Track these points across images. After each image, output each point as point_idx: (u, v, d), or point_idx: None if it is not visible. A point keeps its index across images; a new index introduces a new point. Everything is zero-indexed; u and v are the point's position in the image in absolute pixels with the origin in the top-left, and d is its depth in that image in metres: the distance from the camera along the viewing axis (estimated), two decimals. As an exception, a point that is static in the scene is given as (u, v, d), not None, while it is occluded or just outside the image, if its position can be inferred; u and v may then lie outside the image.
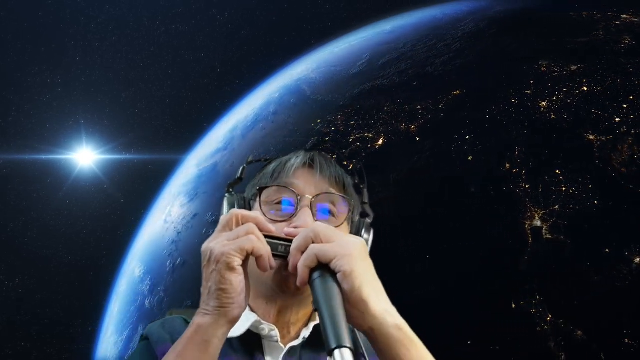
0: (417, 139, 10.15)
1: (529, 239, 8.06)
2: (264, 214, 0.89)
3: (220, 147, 14.51)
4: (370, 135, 10.73)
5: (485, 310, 7.62)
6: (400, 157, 10.00)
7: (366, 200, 1.02)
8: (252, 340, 0.88)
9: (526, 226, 8.19)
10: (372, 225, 1.00)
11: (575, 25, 11.97)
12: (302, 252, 0.74)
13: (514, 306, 7.60)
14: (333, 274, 0.70)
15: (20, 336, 14.39)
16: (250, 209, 0.95)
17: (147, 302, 12.60)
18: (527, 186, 8.64)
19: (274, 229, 0.83)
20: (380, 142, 10.51)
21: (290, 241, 0.78)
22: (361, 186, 1.02)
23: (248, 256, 0.74)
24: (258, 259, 0.75)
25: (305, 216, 0.87)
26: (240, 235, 0.74)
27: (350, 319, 0.69)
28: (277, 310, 0.90)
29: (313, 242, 0.74)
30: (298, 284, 0.74)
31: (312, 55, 18.16)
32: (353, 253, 0.71)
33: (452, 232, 8.47)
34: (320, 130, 11.83)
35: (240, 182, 1.03)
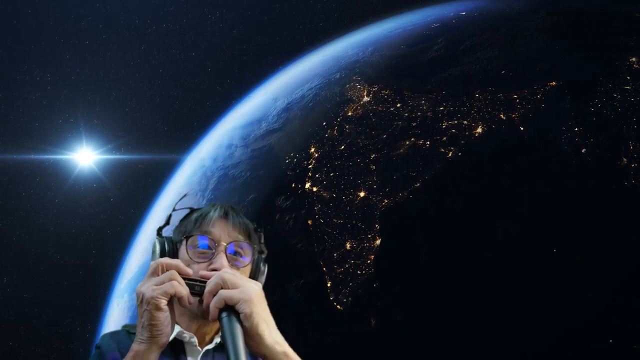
0: (521, 128, 9.74)
1: (660, 235, 7.89)
2: (189, 255, 1.14)
3: (276, 128, 13.48)
4: (466, 123, 10.21)
5: (626, 309, 7.36)
6: (506, 146, 9.56)
7: (262, 241, 1.29)
8: (177, 345, 1.12)
9: (655, 222, 8.01)
10: (266, 259, 1.29)
11: (652, 25, 11.98)
12: (214, 295, 0.95)
13: (652, 304, 7.40)
14: (237, 314, 0.93)
15: (8, 336, 14.39)
16: (177, 249, 1.19)
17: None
18: (648, 182, 8.47)
19: (197, 267, 1.11)
20: (480, 130, 10.02)
21: (205, 282, 0.99)
22: (259, 230, 1.29)
23: (172, 297, 0.95)
24: (179, 299, 0.96)
25: (221, 260, 1.12)
26: (165, 281, 0.95)
27: (249, 348, 0.93)
28: (197, 325, 1.15)
29: (222, 288, 0.95)
30: (210, 320, 0.95)
31: (350, 39, 17.38)
32: (252, 298, 0.94)
33: (577, 228, 8.15)
34: (403, 115, 11.16)
35: (167, 225, 1.26)
